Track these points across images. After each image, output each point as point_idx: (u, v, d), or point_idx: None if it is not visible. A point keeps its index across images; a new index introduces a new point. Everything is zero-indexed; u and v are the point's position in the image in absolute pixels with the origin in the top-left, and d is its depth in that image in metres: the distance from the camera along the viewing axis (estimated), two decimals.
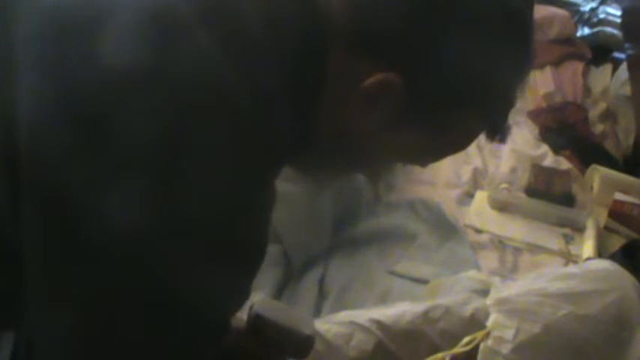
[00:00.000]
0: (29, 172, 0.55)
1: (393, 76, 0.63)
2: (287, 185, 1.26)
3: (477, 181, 1.97)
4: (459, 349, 1.09)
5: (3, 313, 0.64)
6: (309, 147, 0.67)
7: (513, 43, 0.66)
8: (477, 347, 1.09)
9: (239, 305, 0.65)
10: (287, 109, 0.61)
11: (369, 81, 0.63)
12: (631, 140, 2.17)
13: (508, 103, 0.70)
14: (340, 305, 1.35)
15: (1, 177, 0.56)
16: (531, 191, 1.94)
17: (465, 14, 0.63)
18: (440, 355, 1.09)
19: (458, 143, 0.72)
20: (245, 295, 0.64)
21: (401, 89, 0.63)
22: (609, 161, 2.09)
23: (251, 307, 0.85)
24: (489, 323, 1.11)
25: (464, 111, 0.67)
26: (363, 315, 1.17)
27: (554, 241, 1.76)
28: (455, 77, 0.64)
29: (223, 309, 0.61)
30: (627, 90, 2.14)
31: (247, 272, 0.62)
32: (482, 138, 0.72)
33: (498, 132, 0.71)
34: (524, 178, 1.99)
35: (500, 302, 1.14)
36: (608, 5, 2.65)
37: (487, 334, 1.09)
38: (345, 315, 1.19)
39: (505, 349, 1.07)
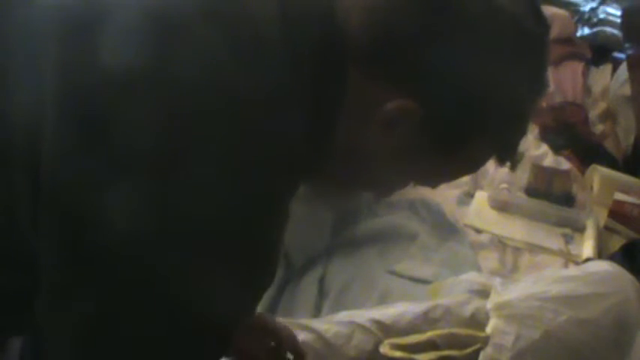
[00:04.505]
0: (40, 173, 0.55)
1: (410, 103, 0.62)
2: None
3: (477, 181, 1.97)
4: (458, 352, 1.08)
5: (16, 319, 0.64)
6: (324, 164, 0.67)
7: (530, 70, 0.66)
8: (477, 350, 1.09)
9: (247, 309, 0.65)
10: (300, 119, 0.60)
11: (387, 107, 0.63)
12: (631, 140, 2.17)
13: (521, 130, 0.70)
14: (340, 305, 1.34)
15: (24, 185, 0.56)
16: (531, 191, 1.94)
17: (484, 41, 0.63)
18: (438, 354, 1.09)
19: (469, 167, 0.73)
20: (255, 299, 0.64)
21: (418, 116, 0.63)
22: (609, 161, 2.09)
23: None
24: (489, 329, 1.11)
25: (478, 138, 0.67)
26: (363, 315, 1.17)
27: (554, 241, 1.75)
28: (472, 105, 0.64)
29: (226, 312, 0.60)
30: (627, 90, 2.14)
31: (252, 276, 0.61)
32: None
33: (509, 158, 0.72)
34: (524, 178, 1.99)
35: (500, 307, 1.14)
36: (608, 5, 2.65)
37: (486, 339, 1.09)
38: (345, 315, 1.19)
39: (505, 356, 1.07)
